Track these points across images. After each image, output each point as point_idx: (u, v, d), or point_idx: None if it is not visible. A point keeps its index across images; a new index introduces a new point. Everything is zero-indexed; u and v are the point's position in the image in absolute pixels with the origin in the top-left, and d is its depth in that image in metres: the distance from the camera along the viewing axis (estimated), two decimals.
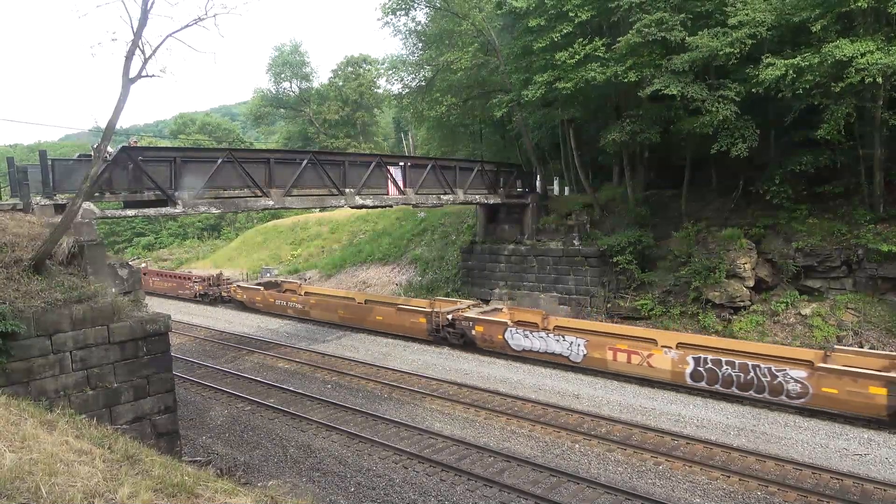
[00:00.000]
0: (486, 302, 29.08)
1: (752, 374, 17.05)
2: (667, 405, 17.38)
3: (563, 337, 21.07)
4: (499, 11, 28.60)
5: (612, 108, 27.64)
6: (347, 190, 22.18)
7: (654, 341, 19.68)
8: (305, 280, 40.00)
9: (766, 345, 19.48)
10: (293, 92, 66.08)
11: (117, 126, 13.38)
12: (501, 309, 25.18)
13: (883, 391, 14.92)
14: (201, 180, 18.10)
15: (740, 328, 21.43)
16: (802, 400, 16.33)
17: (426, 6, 34.51)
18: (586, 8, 23.89)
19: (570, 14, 24.06)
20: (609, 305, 25.32)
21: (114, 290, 13.93)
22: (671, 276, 24.19)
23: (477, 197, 27.83)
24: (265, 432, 16.58)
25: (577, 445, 15.07)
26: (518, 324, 22.94)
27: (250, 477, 13.66)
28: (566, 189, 32.41)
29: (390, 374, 21.21)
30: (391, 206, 26.88)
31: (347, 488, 13.34)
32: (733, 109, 20.99)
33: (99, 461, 6.68)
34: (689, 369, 18.15)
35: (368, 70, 63.20)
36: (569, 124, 29.52)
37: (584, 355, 20.41)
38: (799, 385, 16.33)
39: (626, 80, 22.79)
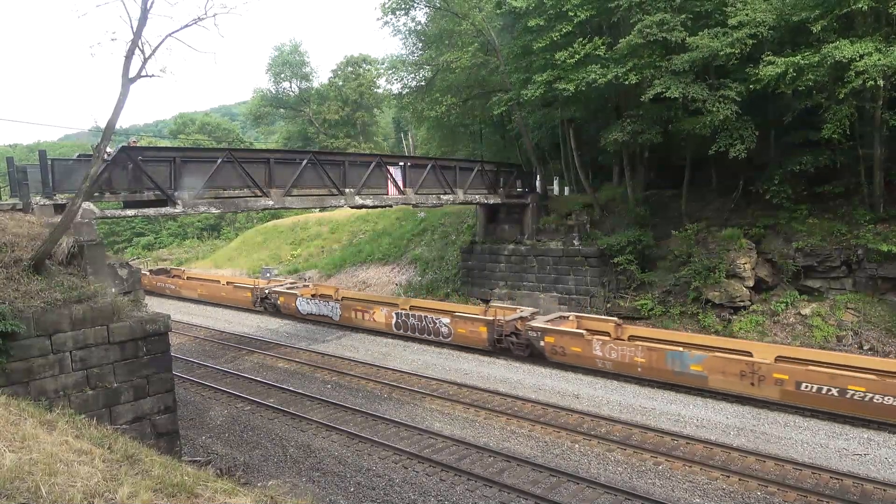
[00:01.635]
0: (486, 302, 29.09)
1: (424, 322, 24.76)
2: (666, 405, 17.38)
3: (328, 302, 28.91)
4: (498, 11, 28.59)
5: (613, 108, 27.64)
6: (347, 190, 22.17)
7: (394, 304, 27.52)
8: (306, 280, 40.02)
9: (448, 303, 28.04)
10: (293, 92, 66.10)
11: (117, 126, 13.39)
12: (308, 285, 33.73)
13: (485, 329, 22.54)
14: (201, 180, 18.09)
15: (740, 328, 21.43)
16: (449, 338, 23.93)
17: (426, 6, 34.51)
18: (586, 8, 23.88)
19: (570, 14, 24.03)
20: (609, 305, 25.32)
21: (113, 290, 13.93)
22: (671, 276, 24.19)
23: (477, 197, 27.83)
24: (265, 432, 16.58)
25: (576, 445, 15.07)
26: (313, 296, 30.60)
27: (250, 477, 13.66)
28: (566, 189, 32.41)
29: (390, 374, 21.21)
30: (391, 206, 26.89)
31: (347, 488, 13.34)
32: (734, 109, 20.99)
33: (99, 461, 6.68)
34: (393, 321, 25.97)
35: (368, 70, 63.19)
36: (569, 124, 29.53)
37: (340, 315, 28.11)
38: (446, 328, 23.93)
39: (626, 83, 22.81)
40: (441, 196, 25.93)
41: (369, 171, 23.12)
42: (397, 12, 33.88)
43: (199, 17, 12.14)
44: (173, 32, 12.04)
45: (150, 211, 17.92)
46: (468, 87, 33.07)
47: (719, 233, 23.57)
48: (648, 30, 22.01)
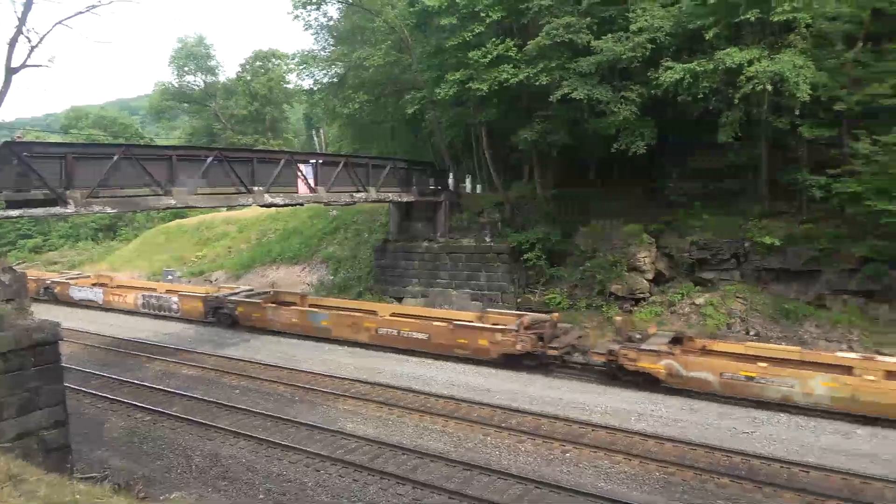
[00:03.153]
0: (400, 300, 29.10)
1: (161, 301, 30.70)
2: (574, 395, 18.09)
3: (94, 289, 34.30)
4: (411, 9, 28.54)
5: (524, 108, 28.29)
6: (256, 188, 21.51)
7: (151, 289, 33.17)
8: (212, 282, 38.49)
9: (191, 287, 34.63)
10: (198, 86, 63.38)
11: None
12: (89, 276, 38.57)
13: (201, 304, 28.57)
14: (96, 178, 16.98)
15: (640, 318, 22.62)
16: (178, 313, 29.69)
17: (338, 1, 34.02)
18: (497, 8, 24.39)
19: (482, 14, 24.51)
20: (519, 300, 25.99)
21: None
22: (578, 271, 25.17)
23: (390, 195, 27.75)
24: (167, 443, 15.83)
25: (488, 438, 15.39)
26: (93, 285, 35.12)
27: (151, 490, 12.98)
28: (478, 187, 32.87)
29: (302, 377, 20.79)
30: (302, 205, 26.41)
31: (256, 495, 12.98)
32: (633, 110, 22.08)
33: None
34: (140, 302, 31.53)
35: (278, 65, 61.58)
36: (481, 123, 29.98)
37: (103, 299, 33.23)
38: (176, 305, 29.82)
39: (537, 83, 23.51)
40: (354, 194, 25.66)
41: (279, 168, 22.54)
42: (308, 7, 33.23)
43: (92, 5, 11.44)
44: (63, 20, 11.27)
45: (39, 211, 16.58)
46: (381, 85, 32.87)
47: (623, 229, 24.74)
48: (556, 32, 22.81)
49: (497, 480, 13.20)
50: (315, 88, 37.04)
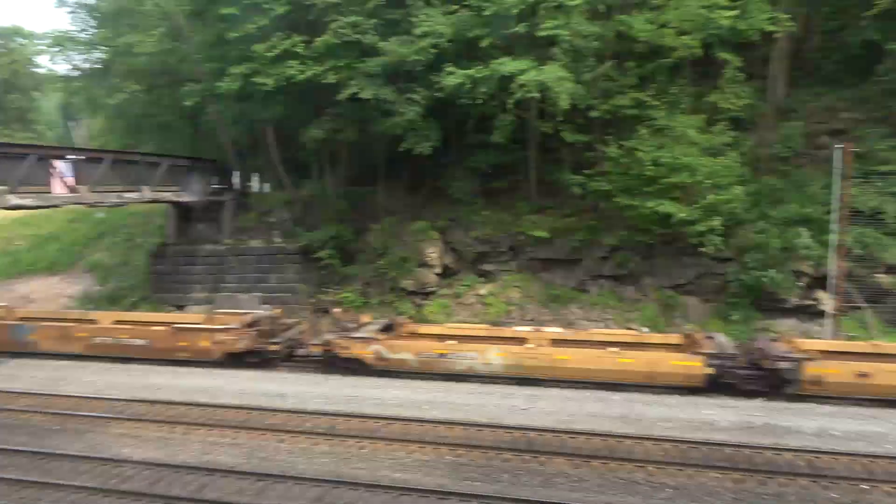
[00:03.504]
0: (181, 308, 26.92)
1: None
2: (369, 390, 18.30)
3: None
4: None
5: (312, 106, 27.82)
6: None
7: None
8: None
9: None
10: None
11: None
12: None
13: None
14: None
15: (430, 311, 23.71)
16: None
17: None
18: (281, 2, 23.66)
19: (265, 6, 23.58)
20: (313, 301, 25.63)
21: None
22: (371, 268, 25.55)
23: (167, 195, 25.66)
24: None
25: (283, 444, 14.89)
26: None
27: None
28: (267, 186, 31.59)
29: (63, 402, 18.11)
30: (58, 207, 23.21)
31: None
32: (418, 111, 22.91)
33: None
34: None
35: (24, 45, 53.21)
36: (267, 121, 28.86)
37: None
38: None
39: (325, 81, 23.28)
40: (123, 194, 23.28)
41: (27, 164, 19.62)
42: None
43: None
44: None
45: None
46: (155, 74, 29.99)
47: (411, 226, 25.62)
48: (343, 30, 22.82)
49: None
50: (73, 75, 32.64)
